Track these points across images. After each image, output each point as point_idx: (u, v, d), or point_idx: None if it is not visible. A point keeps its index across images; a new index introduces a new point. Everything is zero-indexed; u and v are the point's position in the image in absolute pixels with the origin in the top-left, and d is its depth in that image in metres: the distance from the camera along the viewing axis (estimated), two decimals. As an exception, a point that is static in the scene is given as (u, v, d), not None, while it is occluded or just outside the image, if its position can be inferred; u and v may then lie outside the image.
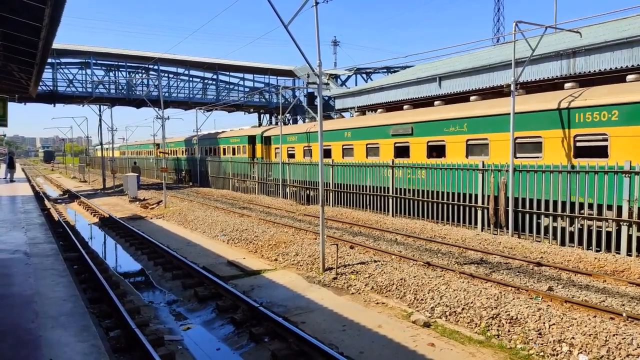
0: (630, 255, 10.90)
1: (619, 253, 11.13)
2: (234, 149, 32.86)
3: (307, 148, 24.31)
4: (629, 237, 11.01)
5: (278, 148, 26.58)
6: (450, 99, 20.69)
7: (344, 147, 21.20)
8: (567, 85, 13.84)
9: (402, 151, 18.15)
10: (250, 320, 8.03)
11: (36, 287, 7.09)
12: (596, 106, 12.22)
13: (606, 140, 12.07)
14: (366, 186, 18.92)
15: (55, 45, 20.28)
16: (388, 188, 17.84)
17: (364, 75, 41.88)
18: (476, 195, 14.61)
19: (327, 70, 39.66)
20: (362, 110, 28.70)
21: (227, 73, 43.52)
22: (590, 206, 11.87)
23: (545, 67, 18.05)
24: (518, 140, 13.97)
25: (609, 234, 11.46)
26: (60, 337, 5.31)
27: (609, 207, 11.57)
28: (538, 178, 12.93)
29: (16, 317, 5.93)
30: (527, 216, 13.21)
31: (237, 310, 8.52)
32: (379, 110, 23.07)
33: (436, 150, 16.93)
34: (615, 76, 15.19)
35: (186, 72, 41.52)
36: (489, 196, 14.02)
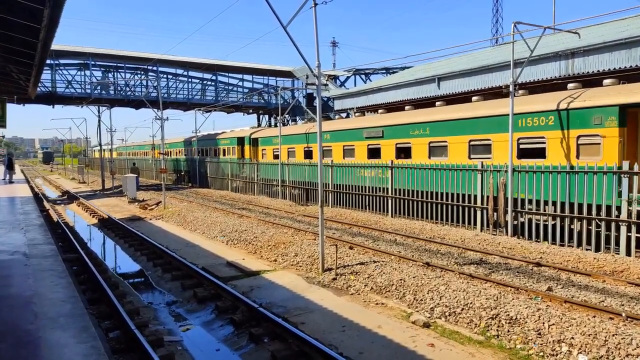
0: (629, 256, 10.91)
1: (618, 253, 11.14)
2: (224, 150, 34.47)
3: (291, 149, 25.70)
4: (628, 237, 11.02)
5: (264, 149, 28.53)
6: (449, 99, 20.72)
7: (324, 148, 22.16)
8: (520, 91, 14.84)
9: (374, 152, 19.36)
10: (250, 321, 8.02)
11: (35, 288, 7.08)
12: (536, 112, 13.40)
13: (544, 142, 13.20)
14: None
15: (54, 46, 20.28)
16: (387, 189, 17.87)
17: (363, 76, 41.95)
18: (475, 196, 14.63)
19: (326, 71, 39.71)
20: (361, 111, 28.73)
21: (226, 74, 43.53)
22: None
23: (544, 67, 18.09)
24: (472, 143, 15.25)
25: (607, 234, 11.49)
26: (59, 338, 5.30)
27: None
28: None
29: (15, 318, 5.92)
30: (526, 216, 13.23)
31: (237, 311, 8.52)
32: (380, 111, 23.18)
33: (404, 152, 18.05)
34: (615, 76, 15.22)
35: (185, 73, 41.50)
36: (488, 196, 14.03)
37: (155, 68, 39.43)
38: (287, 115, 35.93)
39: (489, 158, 14.58)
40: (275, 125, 33.52)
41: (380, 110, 23.19)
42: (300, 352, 6.70)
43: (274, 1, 10.21)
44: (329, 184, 20.99)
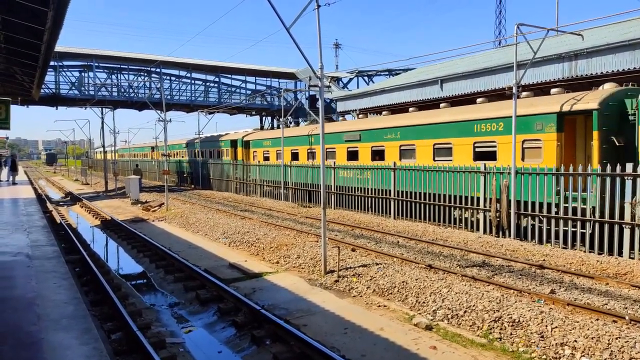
0: (632, 258, 10.87)
1: (622, 256, 11.11)
2: (219, 152, 36.17)
3: (279, 151, 27.03)
4: (631, 239, 10.99)
5: (255, 151, 30.42)
6: (452, 101, 20.71)
7: (309, 150, 24.43)
8: (478, 100, 16.73)
9: (353, 155, 20.92)
10: (252, 323, 8.01)
11: (38, 290, 7.10)
12: (489, 119, 14.82)
13: (495, 146, 14.62)
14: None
15: (58, 48, 20.35)
16: (390, 191, 17.87)
17: (366, 78, 41.92)
18: (476, 198, 14.61)
19: (328, 73, 39.67)
20: (364, 112, 28.73)
21: (229, 76, 43.62)
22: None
23: (547, 69, 18.06)
24: (436, 146, 16.67)
25: (611, 237, 11.47)
26: (62, 340, 5.31)
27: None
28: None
29: (18, 319, 5.94)
30: (529, 219, 13.20)
31: (239, 313, 8.51)
32: (383, 113, 23.18)
33: (378, 154, 19.44)
34: (618, 78, 15.18)
35: (188, 75, 41.62)
36: (490, 198, 14.01)
37: (158, 70, 39.55)
38: (290, 117, 35.98)
39: (450, 160, 15.96)
40: (278, 127, 33.67)
41: (384, 112, 23.23)
42: (302, 354, 6.69)
43: (277, 3, 10.23)
44: (330, 186, 21.12)
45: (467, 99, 20.36)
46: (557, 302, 8.11)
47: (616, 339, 6.32)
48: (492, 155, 14.74)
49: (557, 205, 12.57)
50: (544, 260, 11.13)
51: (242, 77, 44.23)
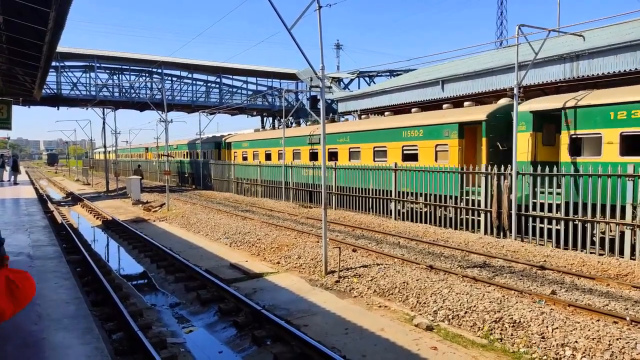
0: (633, 259, 10.87)
1: (623, 257, 11.10)
2: (204, 153, 38.81)
3: (255, 152, 30.47)
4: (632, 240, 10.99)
5: (236, 152, 33.44)
6: (454, 101, 20.70)
7: (279, 152, 27.17)
8: (413, 110, 20.18)
9: (314, 156, 23.89)
10: (253, 323, 8.02)
11: (39, 290, 7.08)
12: (412, 126, 17.82)
13: (417, 149, 17.51)
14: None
15: (59, 48, 20.37)
16: (390, 191, 17.91)
17: (367, 79, 41.85)
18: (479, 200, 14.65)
19: (330, 74, 39.70)
20: (365, 113, 28.72)
21: (230, 76, 43.64)
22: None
23: (549, 70, 18.03)
24: (376, 149, 19.64)
25: (612, 237, 11.50)
26: (63, 340, 5.32)
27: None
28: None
29: (19, 319, 5.95)
30: (530, 219, 13.20)
31: (240, 313, 8.52)
32: (386, 113, 23.21)
33: (334, 155, 22.35)
34: (619, 80, 15.17)
35: (189, 76, 41.64)
36: (491, 199, 14.01)
37: (159, 70, 39.57)
38: (291, 118, 36.03)
39: (385, 161, 18.87)
40: (279, 127, 33.83)
41: (387, 113, 23.28)
42: (303, 354, 6.70)
43: (278, 4, 10.23)
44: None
45: (469, 100, 20.35)
46: (558, 303, 8.11)
47: (617, 340, 6.32)
48: (415, 157, 17.57)
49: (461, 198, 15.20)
50: (544, 261, 11.13)
51: (244, 78, 44.24)
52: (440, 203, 15.83)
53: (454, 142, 15.99)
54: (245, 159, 31.87)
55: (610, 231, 11.62)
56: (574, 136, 12.89)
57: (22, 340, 5.33)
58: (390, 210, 17.81)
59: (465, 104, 17.68)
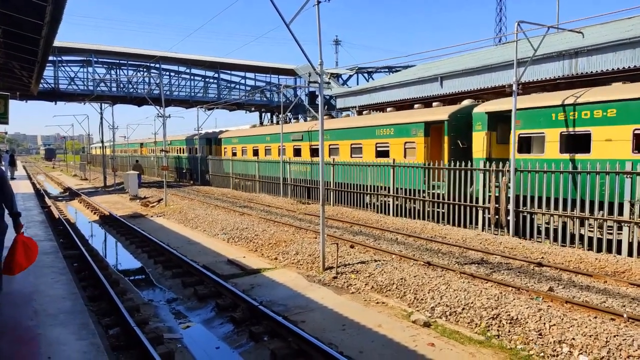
0: (631, 256, 10.88)
1: (620, 254, 11.11)
2: (196, 149, 39.56)
3: (244, 148, 31.73)
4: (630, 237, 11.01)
5: (226, 148, 34.51)
6: (452, 98, 20.67)
7: (266, 147, 28.66)
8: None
9: (297, 152, 25.06)
10: (250, 319, 8.01)
11: (36, 285, 7.09)
12: (384, 125, 18.97)
13: (388, 146, 18.62)
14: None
15: (57, 43, 20.27)
16: (389, 188, 17.91)
17: (366, 75, 41.78)
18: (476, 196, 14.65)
19: (328, 70, 39.58)
20: (364, 109, 28.68)
21: (229, 72, 43.49)
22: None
23: (548, 67, 18.00)
24: (353, 146, 20.70)
25: (610, 234, 11.55)
26: (59, 335, 5.30)
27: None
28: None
29: (15, 314, 5.93)
30: (528, 216, 13.21)
31: (237, 309, 8.50)
32: (388, 109, 23.16)
33: (315, 152, 22.88)
34: (618, 76, 15.14)
35: (187, 71, 41.50)
36: (490, 196, 14.02)
37: (157, 65, 39.42)
38: (289, 113, 35.93)
39: (361, 157, 20.01)
40: (277, 123, 33.83)
41: (389, 109, 23.24)
42: (300, 350, 6.68)
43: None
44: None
45: (467, 96, 20.31)
46: (555, 300, 8.11)
47: (614, 336, 6.33)
48: (387, 154, 18.62)
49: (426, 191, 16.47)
50: (542, 257, 11.14)
51: (242, 73, 44.09)
52: (436, 200, 16.07)
53: (420, 140, 17.18)
54: (234, 154, 32.72)
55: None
56: (522, 135, 13.89)
57: (18, 336, 5.31)
58: (389, 207, 17.91)
59: (434, 104, 19.10)
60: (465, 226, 14.87)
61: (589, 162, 12.11)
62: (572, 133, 12.64)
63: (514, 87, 13.35)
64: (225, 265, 11.90)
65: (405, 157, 17.77)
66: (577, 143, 12.71)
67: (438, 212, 15.93)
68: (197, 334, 8.05)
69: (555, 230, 12.56)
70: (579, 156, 12.52)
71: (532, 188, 13.08)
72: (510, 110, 13.72)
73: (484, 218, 14.41)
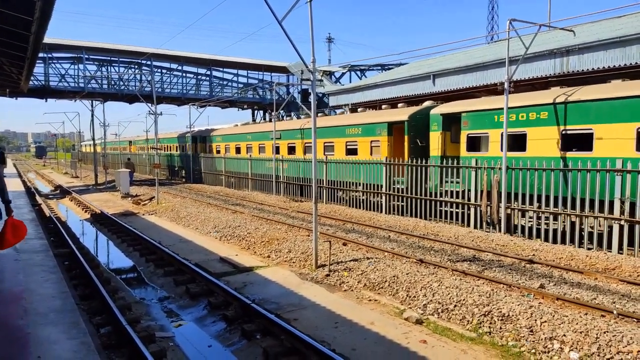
0: (621, 253, 10.98)
1: (610, 251, 11.21)
2: (183, 146, 40.30)
3: (227, 146, 33.10)
4: (620, 234, 11.11)
5: (211, 146, 35.76)
6: (445, 96, 20.71)
7: (247, 145, 30.06)
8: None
9: (277, 149, 26.12)
10: (242, 317, 7.99)
11: (25, 284, 7.03)
12: (352, 124, 20.50)
13: (356, 145, 20.10)
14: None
15: (47, 39, 20.05)
16: (381, 186, 17.95)
17: (358, 73, 41.77)
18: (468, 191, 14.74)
19: (321, 67, 39.54)
20: (356, 107, 28.66)
21: (221, 69, 43.29)
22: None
23: (539, 65, 18.08)
24: (326, 144, 21.89)
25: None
26: (49, 334, 5.26)
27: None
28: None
29: (5, 313, 5.87)
30: (519, 213, 13.30)
31: (229, 307, 8.48)
32: (384, 107, 23.19)
33: (292, 149, 24.97)
34: (609, 75, 15.24)
35: (179, 68, 41.26)
36: (481, 193, 14.08)
37: (149, 62, 39.16)
38: (282, 111, 35.86)
39: (333, 154, 21.27)
40: (270, 120, 33.77)
41: (384, 106, 23.27)
42: (293, 348, 6.68)
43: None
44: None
45: (460, 94, 20.37)
46: (546, 297, 8.17)
47: (604, 333, 6.38)
48: (355, 152, 20.01)
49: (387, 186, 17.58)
50: (533, 255, 11.21)
51: (234, 71, 43.89)
52: (426, 197, 16.37)
53: (384, 139, 18.54)
54: (218, 152, 33.87)
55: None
56: (470, 135, 15.35)
57: (8, 335, 5.26)
58: (381, 205, 17.94)
59: (399, 105, 20.38)
60: (425, 218, 16.13)
61: (520, 159, 13.38)
62: (511, 133, 13.83)
63: (506, 85, 13.41)
64: (218, 264, 11.87)
65: (371, 154, 18.99)
66: (515, 143, 13.92)
67: (397, 205, 17.32)
68: (189, 332, 8.02)
69: (546, 231, 12.64)
70: (515, 154, 13.67)
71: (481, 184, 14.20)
72: (460, 112, 15.35)
73: (475, 216, 14.49)
